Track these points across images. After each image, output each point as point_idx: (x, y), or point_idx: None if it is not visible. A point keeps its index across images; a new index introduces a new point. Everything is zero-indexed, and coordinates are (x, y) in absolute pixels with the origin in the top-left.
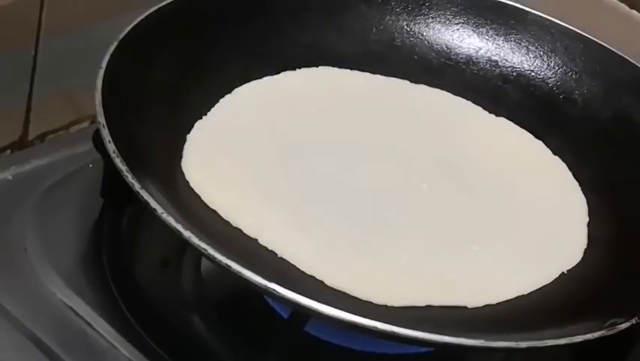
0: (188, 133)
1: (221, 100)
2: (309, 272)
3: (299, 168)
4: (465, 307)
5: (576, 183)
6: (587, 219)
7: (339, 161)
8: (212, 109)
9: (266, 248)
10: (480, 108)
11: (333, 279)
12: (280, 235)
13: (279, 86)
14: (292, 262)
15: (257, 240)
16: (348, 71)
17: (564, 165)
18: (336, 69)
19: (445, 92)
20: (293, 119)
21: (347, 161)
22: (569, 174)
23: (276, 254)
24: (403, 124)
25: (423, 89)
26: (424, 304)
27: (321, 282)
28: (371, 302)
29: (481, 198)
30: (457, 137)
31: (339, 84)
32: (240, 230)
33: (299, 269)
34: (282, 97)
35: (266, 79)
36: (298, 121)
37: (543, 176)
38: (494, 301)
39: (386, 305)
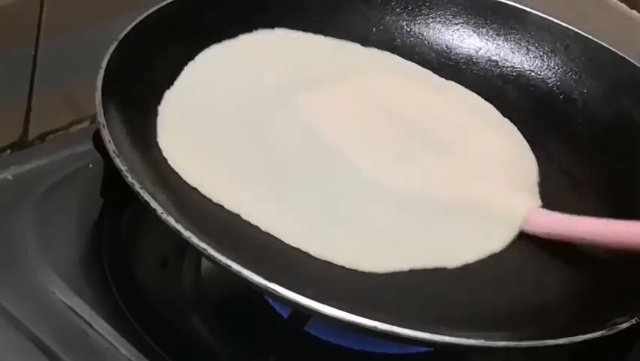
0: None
1: (186, 67)
2: (294, 245)
3: (268, 139)
4: (445, 269)
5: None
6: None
7: (309, 129)
8: (179, 77)
9: (266, 247)
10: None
11: (318, 249)
12: (261, 211)
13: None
14: (277, 235)
15: (239, 216)
16: (303, 34)
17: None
18: (292, 32)
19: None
20: (257, 86)
21: (316, 129)
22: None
23: (275, 251)
24: (365, 90)
25: (373, 52)
26: (407, 269)
27: (307, 253)
28: (357, 270)
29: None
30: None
31: (299, 48)
32: (241, 229)
33: (285, 243)
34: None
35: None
36: (262, 86)
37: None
38: (471, 260)
39: (372, 272)
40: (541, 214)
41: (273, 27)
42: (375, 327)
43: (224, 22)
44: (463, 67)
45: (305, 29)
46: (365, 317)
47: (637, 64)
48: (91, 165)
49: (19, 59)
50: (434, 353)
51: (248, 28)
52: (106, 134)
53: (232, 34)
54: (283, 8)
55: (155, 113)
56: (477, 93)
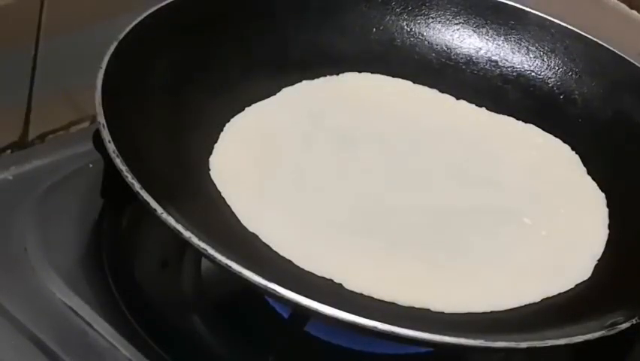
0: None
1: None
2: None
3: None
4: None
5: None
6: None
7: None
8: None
9: (266, 247)
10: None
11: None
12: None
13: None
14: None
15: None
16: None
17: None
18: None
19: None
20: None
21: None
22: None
23: (277, 252)
24: (429, 138)
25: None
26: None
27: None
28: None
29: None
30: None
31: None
32: (241, 229)
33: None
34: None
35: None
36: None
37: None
38: (501, 309)
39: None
40: None
41: (274, 28)
42: (375, 327)
43: (226, 22)
44: (463, 67)
45: (308, 30)
46: (365, 317)
47: (637, 64)
48: (91, 165)
49: (19, 59)
50: (434, 353)
51: (249, 27)
52: (106, 134)
53: (234, 34)
54: (285, 9)
55: (153, 114)
56: (477, 93)
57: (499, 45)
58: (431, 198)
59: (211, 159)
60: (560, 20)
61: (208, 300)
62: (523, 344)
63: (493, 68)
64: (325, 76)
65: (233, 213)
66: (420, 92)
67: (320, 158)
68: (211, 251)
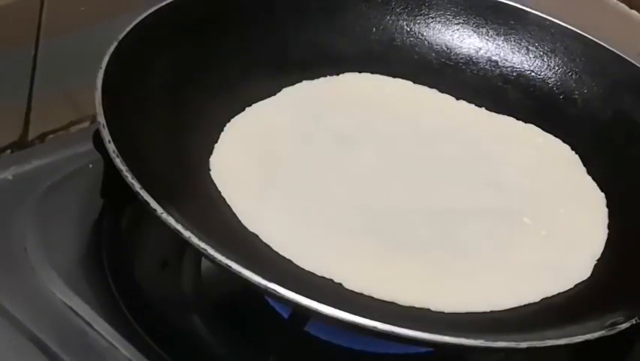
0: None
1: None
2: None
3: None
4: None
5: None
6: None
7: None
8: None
9: (266, 247)
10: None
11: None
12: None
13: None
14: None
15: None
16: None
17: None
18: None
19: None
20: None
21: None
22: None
23: (277, 252)
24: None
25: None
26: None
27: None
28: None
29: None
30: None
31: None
32: (241, 229)
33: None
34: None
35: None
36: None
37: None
38: (501, 308)
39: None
40: None
41: (274, 28)
42: (375, 327)
43: (226, 22)
44: (463, 67)
45: (308, 30)
46: (365, 317)
47: (637, 64)
48: (91, 165)
49: (19, 59)
50: (434, 353)
51: (249, 27)
52: (106, 134)
53: (234, 34)
54: (285, 9)
55: (154, 114)
56: (477, 93)
57: (499, 45)
58: (431, 198)
59: (211, 159)
60: (560, 20)
61: (208, 300)
62: (523, 344)
63: (493, 68)
64: (325, 76)
65: (233, 213)
66: (420, 92)
67: (320, 158)
68: (211, 251)
